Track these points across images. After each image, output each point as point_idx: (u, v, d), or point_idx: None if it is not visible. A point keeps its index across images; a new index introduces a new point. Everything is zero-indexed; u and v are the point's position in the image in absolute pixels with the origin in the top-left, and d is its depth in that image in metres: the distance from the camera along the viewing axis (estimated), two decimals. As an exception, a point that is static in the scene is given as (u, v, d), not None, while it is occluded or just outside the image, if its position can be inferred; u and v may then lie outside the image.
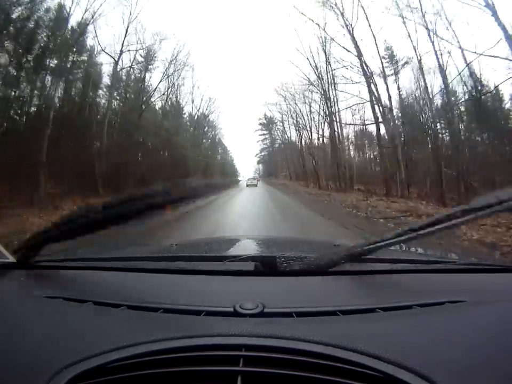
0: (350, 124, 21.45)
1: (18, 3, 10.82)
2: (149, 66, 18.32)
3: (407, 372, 0.43)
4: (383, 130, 16.09)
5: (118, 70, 16.10)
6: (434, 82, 14.98)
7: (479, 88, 13.53)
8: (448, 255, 1.47)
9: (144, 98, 18.15)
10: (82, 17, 13.13)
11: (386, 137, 16.27)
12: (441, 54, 13.17)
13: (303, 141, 28.89)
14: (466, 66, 12.67)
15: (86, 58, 14.95)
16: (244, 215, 8.06)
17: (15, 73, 11.27)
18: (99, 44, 14.82)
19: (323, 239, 3.91)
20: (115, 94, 16.88)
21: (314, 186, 23.53)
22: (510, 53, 10.28)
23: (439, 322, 0.58)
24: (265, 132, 47.73)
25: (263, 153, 57.27)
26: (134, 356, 0.47)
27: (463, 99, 14.56)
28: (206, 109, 29.92)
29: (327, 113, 19.82)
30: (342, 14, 15.53)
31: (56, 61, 12.45)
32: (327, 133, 22.13)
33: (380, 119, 15.67)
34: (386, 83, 15.56)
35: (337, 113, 19.32)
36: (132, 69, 17.58)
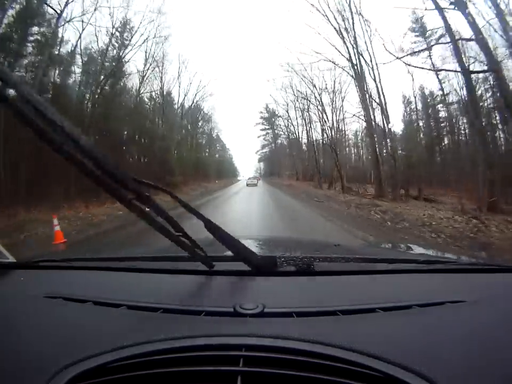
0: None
1: None
2: (126, 42, 15.23)
3: (407, 372, 0.43)
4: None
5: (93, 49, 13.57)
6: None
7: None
8: (448, 255, 1.47)
9: (107, 80, 14.35)
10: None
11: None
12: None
13: (314, 134, 25.75)
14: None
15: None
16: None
17: None
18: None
19: (323, 239, 3.91)
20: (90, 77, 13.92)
21: (330, 188, 19.50)
22: None
23: (439, 322, 0.58)
24: (267, 126, 44.01)
25: (264, 150, 52.96)
26: (134, 356, 0.47)
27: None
28: (196, 93, 26.01)
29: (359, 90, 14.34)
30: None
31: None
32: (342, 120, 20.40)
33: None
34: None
35: (379, 84, 13.75)
36: (110, 48, 14.57)
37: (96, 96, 13.93)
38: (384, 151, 14.19)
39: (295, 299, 0.68)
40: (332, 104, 21.96)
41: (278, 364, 0.45)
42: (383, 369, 0.43)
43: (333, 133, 21.17)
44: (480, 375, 0.45)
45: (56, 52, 12.51)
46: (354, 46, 14.33)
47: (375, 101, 14.47)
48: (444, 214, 7.79)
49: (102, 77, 14.09)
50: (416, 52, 12.90)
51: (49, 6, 11.71)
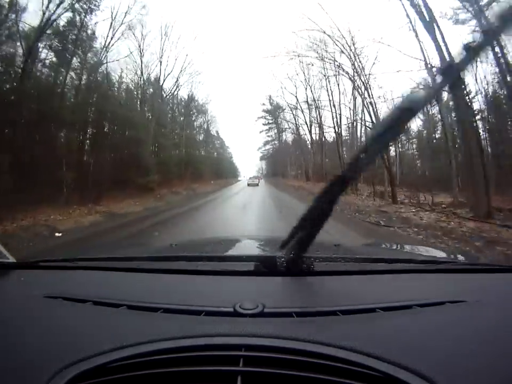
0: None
1: None
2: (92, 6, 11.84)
3: (407, 372, 0.43)
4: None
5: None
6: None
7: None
8: (448, 255, 1.47)
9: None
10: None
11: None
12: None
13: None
14: None
15: None
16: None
17: None
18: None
19: (323, 240, 3.90)
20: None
21: (369, 196, 13.80)
22: None
23: (439, 322, 0.58)
24: (270, 121, 38.37)
25: (267, 148, 46.95)
26: (134, 356, 0.47)
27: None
28: (182, 70, 20.32)
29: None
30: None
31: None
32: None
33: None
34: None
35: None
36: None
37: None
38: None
39: (295, 299, 0.68)
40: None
41: (277, 364, 0.45)
42: (383, 369, 0.43)
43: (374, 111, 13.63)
44: (480, 375, 0.45)
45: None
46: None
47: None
48: None
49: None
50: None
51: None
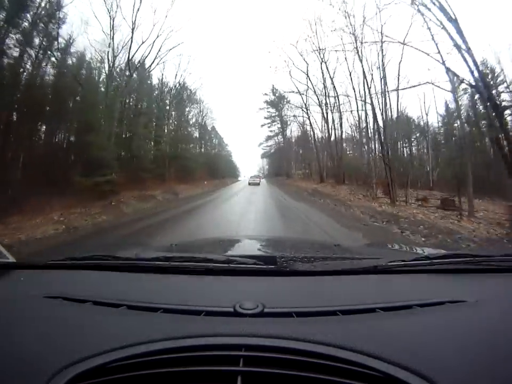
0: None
1: None
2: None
3: (407, 372, 0.43)
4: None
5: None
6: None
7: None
8: (448, 255, 1.46)
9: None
10: None
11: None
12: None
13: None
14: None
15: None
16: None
17: None
18: None
19: (323, 240, 3.90)
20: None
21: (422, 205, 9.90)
22: None
23: (439, 322, 0.58)
24: (273, 113, 33.61)
25: (269, 143, 40.97)
26: (134, 356, 0.47)
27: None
28: (158, 37, 14.34)
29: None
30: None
31: None
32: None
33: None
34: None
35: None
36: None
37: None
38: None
39: (295, 299, 0.68)
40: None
41: (278, 364, 0.45)
42: (383, 369, 0.43)
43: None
44: (480, 375, 0.45)
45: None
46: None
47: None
48: None
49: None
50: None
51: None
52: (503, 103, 10.48)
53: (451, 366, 0.46)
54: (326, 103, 19.88)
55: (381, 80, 12.36)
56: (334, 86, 18.24)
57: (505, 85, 14.46)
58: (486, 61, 15.12)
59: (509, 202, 7.80)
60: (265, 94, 31.58)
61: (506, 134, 7.08)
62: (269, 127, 36.76)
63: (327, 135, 20.94)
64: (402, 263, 0.90)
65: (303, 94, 21.32)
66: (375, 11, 11.06)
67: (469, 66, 7.08)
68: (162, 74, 20.02)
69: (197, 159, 25.71)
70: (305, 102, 22.19)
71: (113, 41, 13.02)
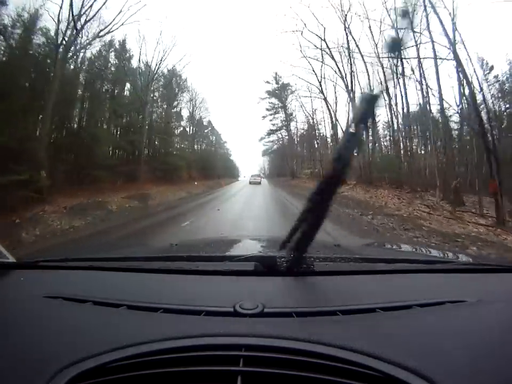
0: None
1: None
2: None
3: (407, 372, 0.43)
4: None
5: None
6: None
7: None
8: (448, 255, 1.47)
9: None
10: None
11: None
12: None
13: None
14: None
15: None
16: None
17: None
18: None
19: (323, 240, 3.89)
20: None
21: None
22: None
23: (439, 322, 0.58)
24: (275, 104, 29.50)
25: (272, 138, 35.36)
26: (134, 356, 0.47)
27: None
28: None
29: None
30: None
31: None
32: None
33: None
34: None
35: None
36: None
37: None
38: None
39: (295, 299, 0.68)
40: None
41: (278, 364, 0.45)
42: (383, 369, 0.43)
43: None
44: (481, 375, 0.45)
45: None
46: None
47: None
48: None
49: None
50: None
51: None
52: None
53: (451, 366, 0.46)
54: (352, 77, 14.80)
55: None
56: (361, 53, 13.54)
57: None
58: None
59: None
60: (267, 82, 27.68)
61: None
62: (271, 120, 31.65)
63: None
64: (402, 263, 0.90)
65: (321, 63, 16.71)
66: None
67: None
68: (140, 54, 16.84)
69: (185, 156, 22.04)
70: (319, 78, 17.84)
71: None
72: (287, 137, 32.34)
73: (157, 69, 17.74)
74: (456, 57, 8.68)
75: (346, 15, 14.53)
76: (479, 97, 9.17)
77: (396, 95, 13.63)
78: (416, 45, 10.89)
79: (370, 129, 0.66)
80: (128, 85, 17.58)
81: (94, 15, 11.17)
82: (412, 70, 11.97)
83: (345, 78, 15.67)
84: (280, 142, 35.18)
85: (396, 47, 0.70)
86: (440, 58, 10.13)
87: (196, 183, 21.78)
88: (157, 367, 0.45)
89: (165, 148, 19.55)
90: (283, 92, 28.02)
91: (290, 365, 0.45)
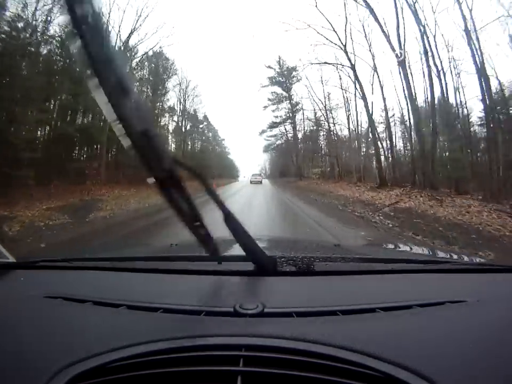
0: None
1: None
2: None
3: (407, 372, 0.43)
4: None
5: None
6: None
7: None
8: (448, 255, 1.47)
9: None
10: None
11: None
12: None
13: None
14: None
15: None
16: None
17: None
18: None
19: (323, 239, 3.91)
20: None
21: None
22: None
23: (439, 322, 0.58)
24: (279, 93, 25.47)
25: (274, 133, 30.07)
26: (134, 356, 0.47)
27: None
28: None
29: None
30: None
31: None
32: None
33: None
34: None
35: None
36: None
37: None
38: None
39: (295, 299, 0.68)
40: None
41: (278, 364, 0.45)
42: (383, 369, 0.43)
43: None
44: (481, 375, 0.45)
45: None
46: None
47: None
48: None
49: None
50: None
51: None
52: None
53: (451, 366, 0.46)
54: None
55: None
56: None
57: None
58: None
59: None
60: (269, 67, 23.38)
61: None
62: (273, 110, 26.93)
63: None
64: (402, 263, 0.90)
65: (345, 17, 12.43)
66: None
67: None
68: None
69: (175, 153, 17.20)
70: (344, 43, 13.75)
71: None
72: (291, 132, 27.73)
73: (132, 44, 14.25)
74: None
75: None
76: None
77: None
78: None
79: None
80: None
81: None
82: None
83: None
84: (283, 139, 30.36)
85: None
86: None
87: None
88: (157, 367, 0.45)
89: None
90: (288, 79, 23.75)
91: (290, 365, 0.45)
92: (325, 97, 19.34)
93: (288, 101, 25.66)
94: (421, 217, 6.55)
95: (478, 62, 9.73)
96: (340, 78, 16.60)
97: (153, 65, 18.23)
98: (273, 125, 28.68)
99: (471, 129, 12.13)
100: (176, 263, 0.89)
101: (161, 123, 20.27)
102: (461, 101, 11.87)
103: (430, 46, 11.27)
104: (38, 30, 10.80)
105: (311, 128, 24.82)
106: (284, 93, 25.46)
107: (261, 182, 25.81)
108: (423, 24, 10.83)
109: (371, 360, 0.45)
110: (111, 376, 0.45)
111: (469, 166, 11.02)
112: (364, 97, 14.30)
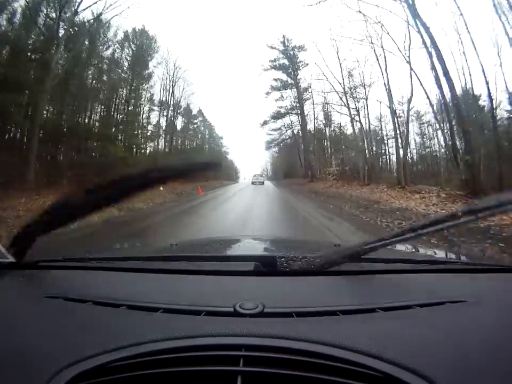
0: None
1: None
2: None
3: (407, 372, 0.43)
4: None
5: None
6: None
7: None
8: (448, 255, 1.47)
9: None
10: None
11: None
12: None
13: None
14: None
15: None
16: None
17: None
18: None
19: (323, 239, 3.90)
20: None
21: None
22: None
23: (439, 322, 0.58)
24: (283, 78, 21.63)
25: (277, 127, 25.84)
26: (134, 356, 0.47)
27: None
28: None
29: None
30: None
31: None
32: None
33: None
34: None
35: None
36: None
37: None
38: None
39: (295, 299, 0.68)
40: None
41: (278, 364, 0.45)
42: (383, 369, 0.43)
43: None
44: (481, 375, 0.45)
45: None
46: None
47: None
48: None
49: None
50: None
51: None
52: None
53: (451, 366, 0.46)
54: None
55: None
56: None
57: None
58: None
59: None
60: (272, 47, 19.53)
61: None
62: (277, 100, 22.66)
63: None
64: (402, 263, 0.90)
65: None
66: None
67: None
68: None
69: (138, 142, 14.10)
70: None
71: None
72: (298, 125, 23.32)
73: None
74: None
75: None
76: None
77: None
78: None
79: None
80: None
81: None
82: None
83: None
84: (289, 133, 25.82)
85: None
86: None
87: (161, 187, 9.89)
88: (157, 367, 0.45)
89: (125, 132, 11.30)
90: (294, 62, 19.67)
91: (291, 365, 0.45)
92: (345, 77, 15.14)
93: (294, 87, 21.64)
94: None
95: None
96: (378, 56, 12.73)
97: (132, 44, 15.85)
98: (277, 115, 23.76)
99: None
100: (176, 263, 0.89)
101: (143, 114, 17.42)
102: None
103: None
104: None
105: (322, 122, 21.22)
106: (289, 80, 21.53)
107: (263, 183, 25.61)
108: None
109: (371, 360, 0.45)
110: (111, 376, 0.45)
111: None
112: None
